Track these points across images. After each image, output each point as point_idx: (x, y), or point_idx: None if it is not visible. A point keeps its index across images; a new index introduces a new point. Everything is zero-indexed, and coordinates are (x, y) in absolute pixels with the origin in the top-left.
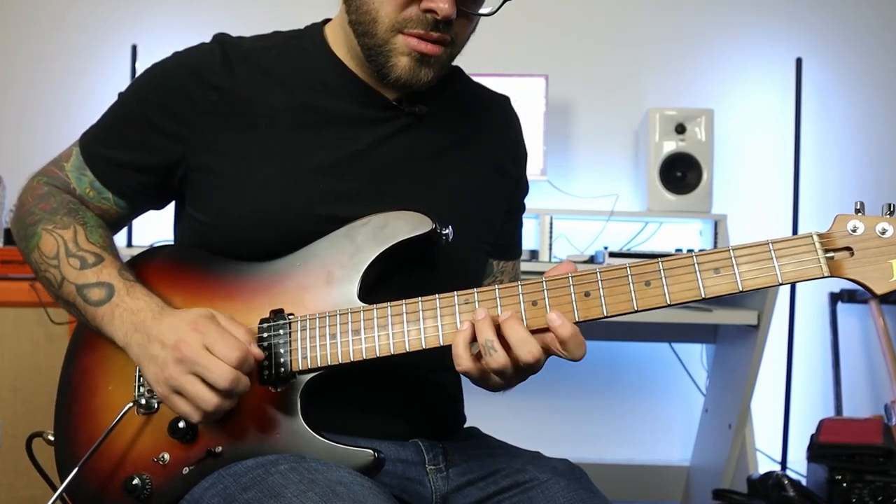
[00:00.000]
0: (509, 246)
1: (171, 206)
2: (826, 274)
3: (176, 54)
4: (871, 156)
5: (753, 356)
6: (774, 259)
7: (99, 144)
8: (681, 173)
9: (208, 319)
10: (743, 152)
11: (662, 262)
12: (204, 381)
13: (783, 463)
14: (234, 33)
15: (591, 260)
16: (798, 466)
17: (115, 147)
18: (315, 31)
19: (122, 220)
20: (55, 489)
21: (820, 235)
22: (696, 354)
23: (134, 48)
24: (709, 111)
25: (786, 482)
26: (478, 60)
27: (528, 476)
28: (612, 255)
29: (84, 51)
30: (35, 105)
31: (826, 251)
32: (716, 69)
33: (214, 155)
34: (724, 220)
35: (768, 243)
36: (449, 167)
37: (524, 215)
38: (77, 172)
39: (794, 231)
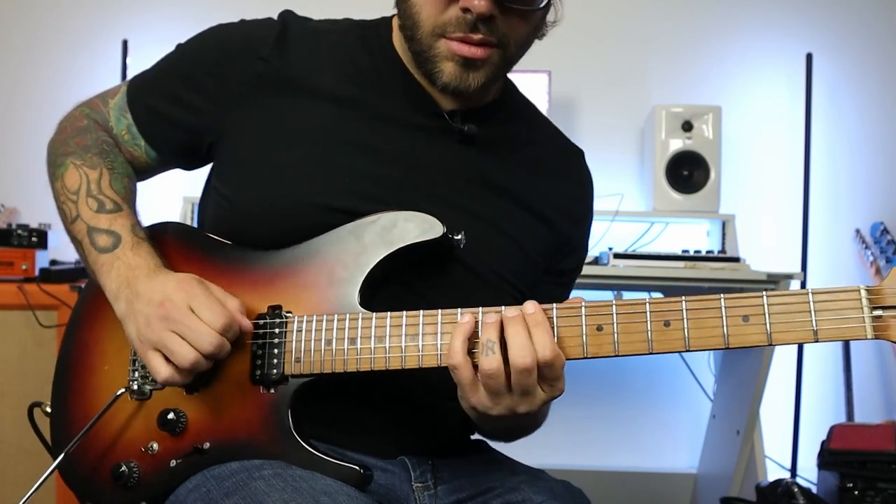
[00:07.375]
0: None
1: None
2: (870, 336)
3: (241, 21)
4: (884, 153)
5: (762, 360)
6: (812, 312)
7: (144, 90)
8: (687, 172)
9: (197, 282)
10: (752, 150)
11: (686, 301)
12: (185, 340)
13: (793, 470)
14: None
15: (596, 261)
16: (808, 474)
17: (158, 96)
18: (382, 25)
19: (149, 170)
20: (55, 458)
21: (868, 290)
22: (703, 358)
23: (125, 43)
24: (716, 108)
25: (796, 490)
26: None
27: (521, 497)
28: (617, 256)
29: (75, 46)
30: (26, 100)
31: (873, 308)
32: (723, 65)
33: (247, 126)
34: (732, 221)
35: (808, 293)
36: (487, 195)
37: None
38: (118, 112)
39: (804, 232)
